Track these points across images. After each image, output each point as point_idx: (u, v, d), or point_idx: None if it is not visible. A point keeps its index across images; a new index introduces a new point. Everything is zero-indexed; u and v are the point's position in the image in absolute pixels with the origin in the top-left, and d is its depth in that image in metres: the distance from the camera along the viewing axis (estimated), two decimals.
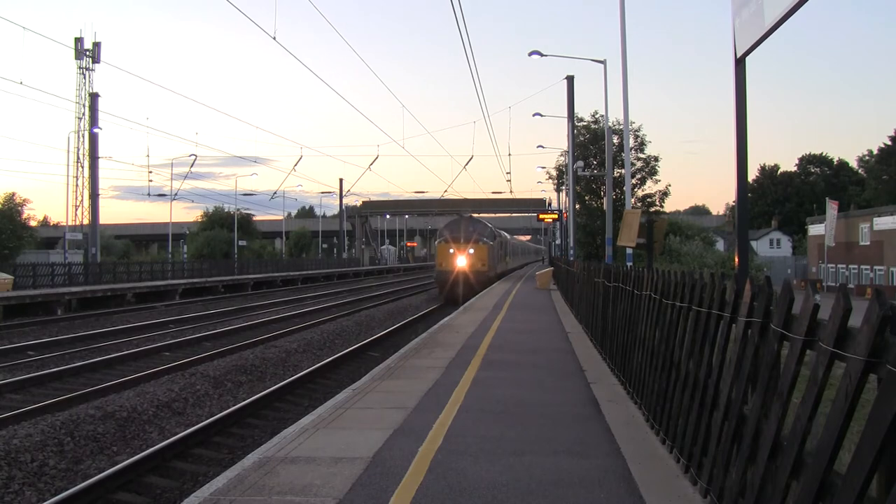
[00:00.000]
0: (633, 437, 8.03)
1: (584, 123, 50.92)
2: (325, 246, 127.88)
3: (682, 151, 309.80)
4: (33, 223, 79.14)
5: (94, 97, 52.65)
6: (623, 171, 29.91)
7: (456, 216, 49.70)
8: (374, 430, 8.34)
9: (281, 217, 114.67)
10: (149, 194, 72.81)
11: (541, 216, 59.69)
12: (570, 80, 38.47)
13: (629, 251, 23.97)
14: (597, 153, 48.64)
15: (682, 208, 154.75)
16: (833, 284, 68.43)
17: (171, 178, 74.86)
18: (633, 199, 39.42)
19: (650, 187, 50.61)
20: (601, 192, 48.07)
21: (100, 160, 52.25)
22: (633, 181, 45.41)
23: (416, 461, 7.05)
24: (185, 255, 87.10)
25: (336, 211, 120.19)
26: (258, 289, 57.94)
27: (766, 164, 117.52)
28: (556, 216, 58.63)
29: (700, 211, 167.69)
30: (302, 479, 6.60)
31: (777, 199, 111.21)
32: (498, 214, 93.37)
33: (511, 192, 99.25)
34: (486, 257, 45.36)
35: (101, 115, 52.22)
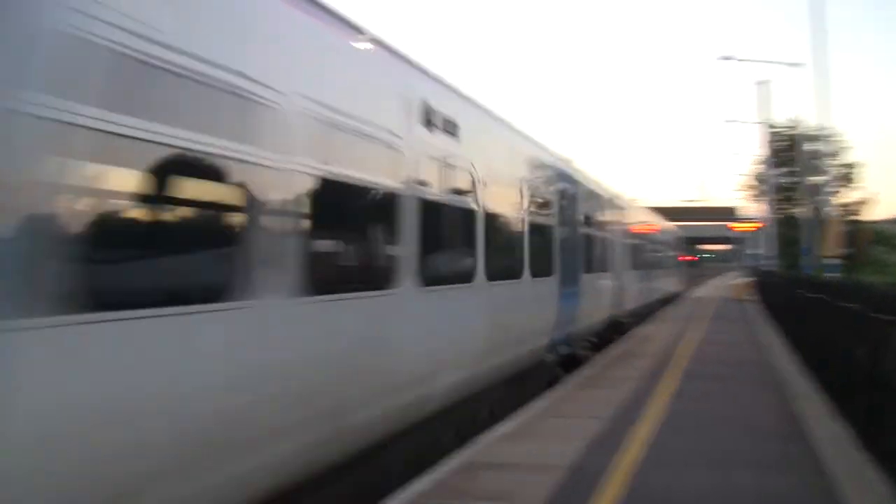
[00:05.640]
0: (837, 455, 7.75)
1: (780, 129, 49.07)
2: None
3: (888, 154, 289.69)
4: None
5: None
6: (823, 177, 28.60)
7: None
8: (572, 439, 8.45)
9: None
10: None
11: (730, 225, 57.94)
12: (764, 85, 37.24)
13: (831, 261, 22.99)
14: (794, 160, 46.77)
15: (889, 216, 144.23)
16: None
17: None
18: (833, 208, 37.49)
19: (852, 195, 48.22)
20: (800, 200, 46.16)
21: None
22: (833, 189, 43.21)
23: (614, 472, 7.12)
24: None
25: None
26: None
27: None
28: (747, 226, 56.72)
29: None
30: (500, 484, 6.83)
31: None
32: (688, 223, 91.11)
33: (703, 199, 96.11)
34: None
35: None
